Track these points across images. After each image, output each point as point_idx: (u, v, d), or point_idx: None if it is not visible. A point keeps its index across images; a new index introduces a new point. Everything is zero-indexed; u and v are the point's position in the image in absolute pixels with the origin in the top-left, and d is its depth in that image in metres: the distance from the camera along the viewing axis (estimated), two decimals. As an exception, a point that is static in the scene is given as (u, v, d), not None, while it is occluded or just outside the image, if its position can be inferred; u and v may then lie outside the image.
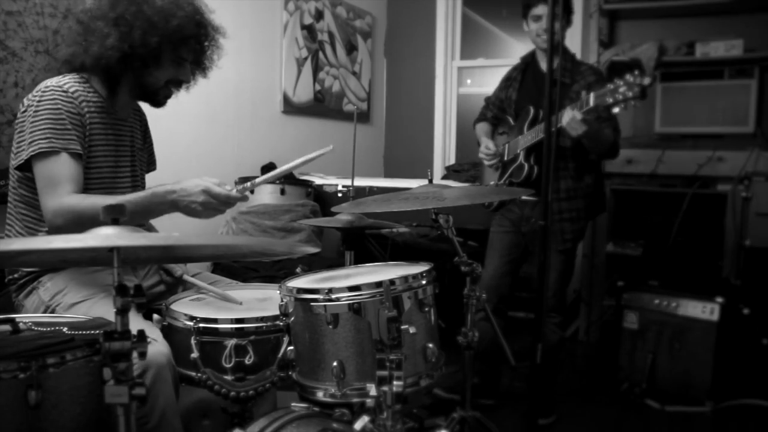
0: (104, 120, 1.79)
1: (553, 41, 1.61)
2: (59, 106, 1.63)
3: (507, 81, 2.64)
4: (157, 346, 1.45)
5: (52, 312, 1.66)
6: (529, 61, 2.59)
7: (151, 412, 1.43)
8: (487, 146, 2.60)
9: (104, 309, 1.55)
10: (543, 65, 2.51)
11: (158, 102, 1.82)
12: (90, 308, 1.60)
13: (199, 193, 1.59)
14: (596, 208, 2.59)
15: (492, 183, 2.64)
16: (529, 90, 2.54)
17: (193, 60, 1.81)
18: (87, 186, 1.71)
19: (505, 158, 2.56)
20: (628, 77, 2.02)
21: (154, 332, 1.51)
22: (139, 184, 1.93)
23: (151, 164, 2.10)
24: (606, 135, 2.36)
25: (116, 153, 1.83)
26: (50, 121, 1.61)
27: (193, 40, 1.74)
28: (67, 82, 1.71)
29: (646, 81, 1.98)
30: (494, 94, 2.72)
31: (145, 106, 1.96)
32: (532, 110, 2.45)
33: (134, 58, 1.68)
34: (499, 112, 2.68)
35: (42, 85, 1.67)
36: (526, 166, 2.45)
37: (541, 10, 2.40)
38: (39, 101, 1.63)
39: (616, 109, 2.07)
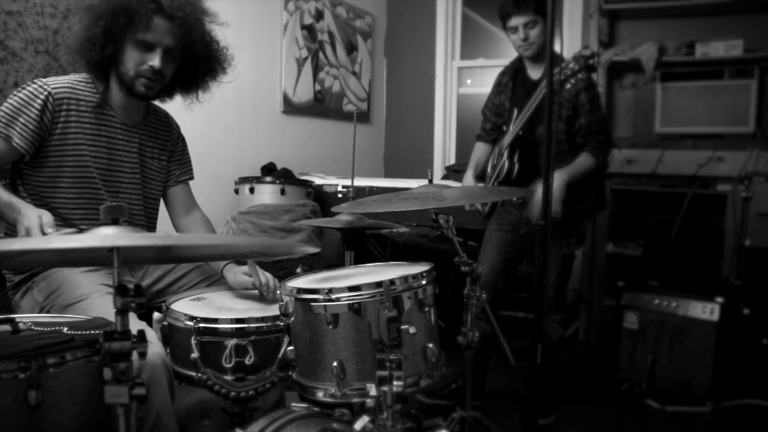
0: (99, 121, 1.80)
1: (551, 49, 1.59)
2: (24, 99, 1.70)
3: (498, 87, 2.66)
4: (152, 347, 1.43)
5: (47, 313, 1.65)
6: (517, 66, 2.60)
7: (147, 415, 1.42)
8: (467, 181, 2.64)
9: (99, 310, 1.55)
10: (530, 72, 2.55)
11: (137, 92, 1.78)
12: (85, 309, 1.60)
13: (22, 227, 1.56)
14: (597, 206, 2.59)
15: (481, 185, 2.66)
16: (520, 97, 2.55)
17: (172, 44, 1.74)
18: (66, 183, 1.75)
19: (489, 172, 2.62)
20: (576, 52, 2.21)
21: (148, 333, 1.50)
22: (136, 193, 1.90)
23: (176, 176, 2.05)
24: (588, 167, 2.40)
25: (110, 156, 1.82)
26: (8, 107, 1.70)
27: (137, 17, 1.67)
28: (62, 80, 1.77)
29: (587, 52, 2.18)
30: (489, 100, 2.73)
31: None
32: (516, 112, 2.49)
33: (99, 48, 1.70)
34: (496, 118, 2.69)
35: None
36: (507, 164, 2.46)
37: (515, 21, 2.41)
38: (16, 91, 1.72)
39: (568, 86, 2.24)
